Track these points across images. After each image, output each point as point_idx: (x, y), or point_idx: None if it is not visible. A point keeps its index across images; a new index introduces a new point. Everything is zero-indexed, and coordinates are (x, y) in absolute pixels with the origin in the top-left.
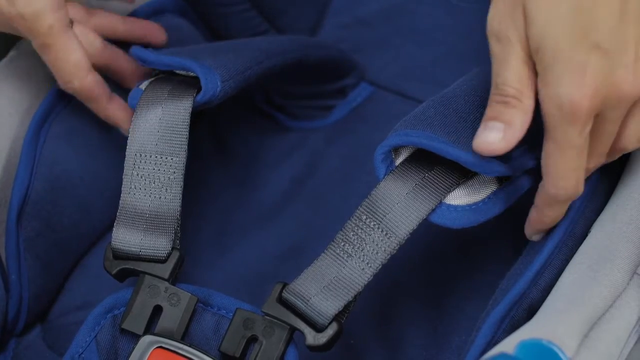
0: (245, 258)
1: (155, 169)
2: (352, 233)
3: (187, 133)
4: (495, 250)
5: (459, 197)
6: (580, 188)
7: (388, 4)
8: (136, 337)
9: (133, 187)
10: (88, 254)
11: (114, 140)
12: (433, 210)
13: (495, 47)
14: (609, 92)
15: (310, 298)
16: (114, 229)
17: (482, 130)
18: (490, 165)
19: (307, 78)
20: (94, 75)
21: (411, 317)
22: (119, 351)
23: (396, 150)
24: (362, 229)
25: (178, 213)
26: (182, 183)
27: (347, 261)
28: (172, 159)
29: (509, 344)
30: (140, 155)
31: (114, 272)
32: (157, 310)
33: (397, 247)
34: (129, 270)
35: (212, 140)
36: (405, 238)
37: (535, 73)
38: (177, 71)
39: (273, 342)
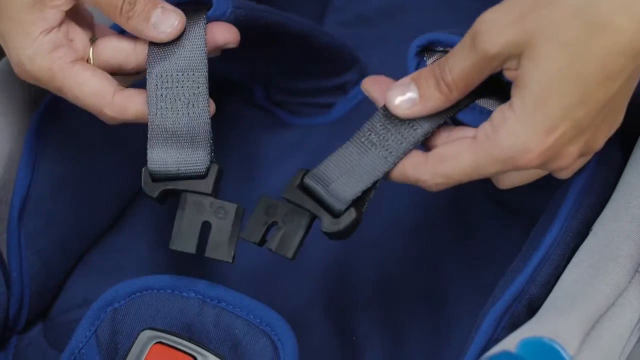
0: (247, 254)
1: (179, 86)
2: (379, 124)
3: (205, 47)
4: (496, 247)
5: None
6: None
7: (388, 1)
8: (135, 332)
9: (159, 107)
10: (90, 251)
11: (115, 138)
12: (462, 109)
13: (466, 42)
14: (552, 159)
15: (331, 183)
16: (147, 151)
17: (400, 86)
18: None
19: (309, 67)
20: (121, 95)
21: (413, 313)
22: (118, 346)
23: (429, 52)
24: (389, 119)
25: (209, 126)
26: (207, 96)
27: (370, 149)
28: (193, 74)
29: (510, 342)
30: (162, 76)
31: (155, 195)
32: (205, 226)
33: (422, 139)
34: (170, 191)
35: (214, 136)
36: (431, 131)
37: (483, 77)
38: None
39: (292, 227)
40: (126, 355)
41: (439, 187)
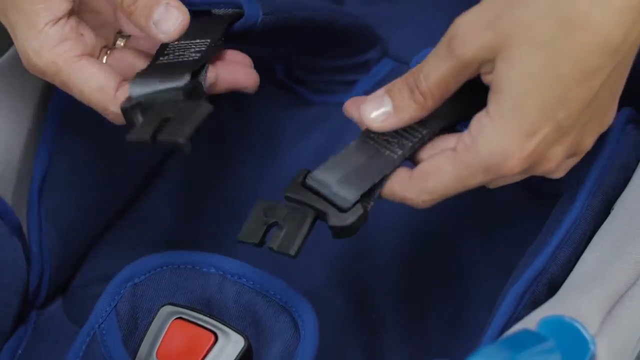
0: None
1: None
2: None
3: (210, 55)
4: (516, 226)
5: None
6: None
7: None
8: (155, 308)
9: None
10: (110, 227)
11: None
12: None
13: (441, 48)
14: (537, 163)
15: (335, 183)
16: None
17: (373, 98)
18: None
19: (332, 49)
20: (123, 90)
21: (433, 292)
22: (138, 321)
23: None
24: None
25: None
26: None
27: (375, 147)
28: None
29: (531, 321)
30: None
31: (126, 106)
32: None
33: (427, 138)
34: (141, 105)
35: (234, 113)
36: (435, 131)
37: (460, 83)
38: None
39: (295, 225)
40: (146, 330)
41: (425, 204)
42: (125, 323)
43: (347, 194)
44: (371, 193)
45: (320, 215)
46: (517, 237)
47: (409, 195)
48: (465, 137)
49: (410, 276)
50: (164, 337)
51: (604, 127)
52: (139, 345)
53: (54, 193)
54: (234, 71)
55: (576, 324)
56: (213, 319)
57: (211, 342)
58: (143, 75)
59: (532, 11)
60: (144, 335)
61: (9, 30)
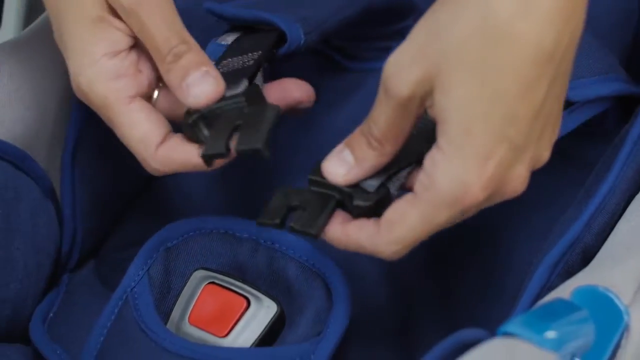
0: None
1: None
2: None
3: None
4: (550, 194)
5: None
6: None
7: None
8: (188, 272)
9: None
10: (144, 190)
11: None
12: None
13: (381, 91)
14: (501, 186)
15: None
16: None
17: (334, 155)
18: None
19: (369, 22)
20: (164, 148)
21: (465, 260)
22: (171, 285)
23: None
24: None
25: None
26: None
27: None
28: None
29: (564, 290)
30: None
31: (190, 120)
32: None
33: None
34: (203, 117)
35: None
36: None
37: (410, 121)
38: (256, 26)
39: (317, 207)
40: (179, 294)
41: (397, 255)
42: (157, 287)
43: (371, 178)
44: (396, 177)
45: (343, 197)
46: (550, 205)
47: (380, 249)
48: (421, 176)
49: (442, 245)
50: (196, 301)
51: (556, 135)
52: (171, 310)
53: (87, 157)
54: (284, 89)
55: (610, 294)
56: (246, 284)
57: (243, 307)
58: None
59: (457, 34)
60: (176, 299)
61: (62, 52)
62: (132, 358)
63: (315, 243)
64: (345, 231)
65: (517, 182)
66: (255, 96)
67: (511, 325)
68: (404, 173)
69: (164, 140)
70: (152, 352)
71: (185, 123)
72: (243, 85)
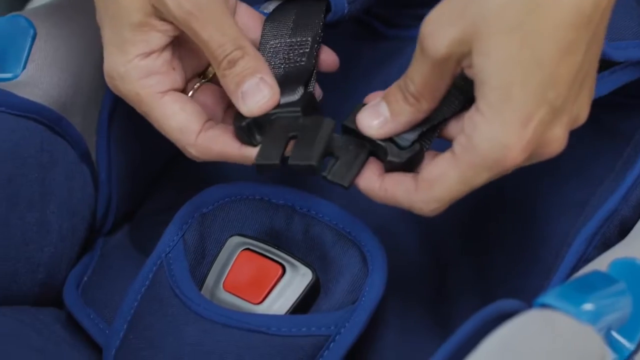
0: None
1: (289, 50)
2: None
3: (317, 46)
4: (587, 166)
5: None
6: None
7: None
8: (223, 238)
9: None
10: (179, 156)
11: None
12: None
13: (417, 49)
14: (540, 148)
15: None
16: None
17: (370, 108)
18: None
19: None
20: (204, 137)
21: (500, 231)
22: (206, 251)
23: None
24: None
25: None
26: (315, 53)
27: None
28: (305, 39)
29: (602, 262)
30: (272, 50)
31: (243, 123)
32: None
33: None
34: (259, 122)
35: None
36: None
37: (446, 80)
38: None
39: (350, 157)
40: (213, 260)
41: (435, 212)
42: (192, 253)
43: (405, 133)
44: (430, 133)
45: (376, 150)
46: (588, 177)
47: (417, 205)
48: (461, 138)
49: (479, 215)
50: (231, 268)
51: (592, 94)
52: (206, 276)
53: (123, 121)
54: None
55: None
56: (281, 251)
57: (279, 274)
58: None
59: (502, 2)
60: (211, 265)
61: (100, 32)
62: (166, 323)
63: (351, 210)
64: (382, 184)
65: (556, 143)
66: (310, 106)
67: (548, 297)
68: (437, 131)
69: (202, 129)
70: (186, 318)
71: (237, 125)
72: (298, 93)
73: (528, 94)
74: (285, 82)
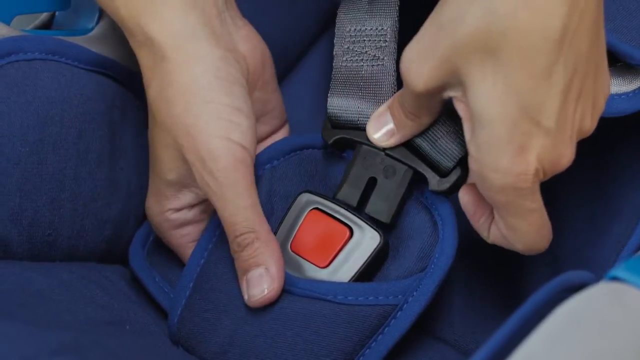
0: None
1: (366, 40)
2: None
3: (397, 14)
4: None
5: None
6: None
7: None
8: (293, 194)
9: (345, 60)
10: None
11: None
12: None
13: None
14: (550, 168)
15: (438, 139)
16: (328, 98)
17: (376, 118)
18: None
19: None
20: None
21: (571, 202)
22: (274, 207)
23: None
24: None
25: (394, 79)
26: (395, 49)
27: None
28: (382, 29)
29: None
30: (350, 30)
31: (330, 141)
32: (372, 182)
33: None
34: (345, 140)
35: None
36: None
37: (437, 101)
38: None
39: (391, 187)
40: (281, 217)
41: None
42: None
43: (448, 154)
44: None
45: (417, 176)
46: None
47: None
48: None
49: (549, 184)
50: (299, 228)
51: (600, 106)
52: (275, 232)
53: None
54: None
55: None
56: (350, 212)
57: (346, 237)
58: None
59: (462, 30)
60: (280, 221)
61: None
62: (231, 286)
63: None
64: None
65: (564, 159)
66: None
67: (618, 270)
68: None
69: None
70: None
71: (325, 140)
72: None
73: (511, 126)
74: (368, 90)
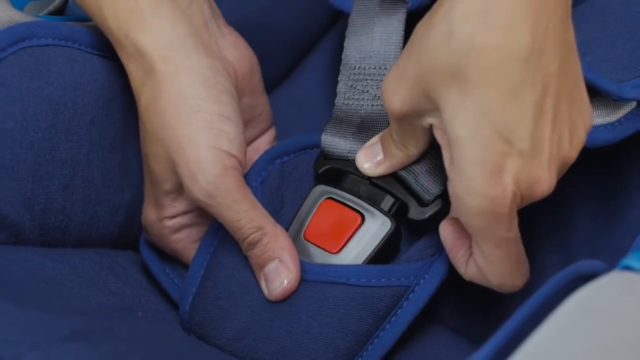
0: None
1: (369, 79)
2: None
3: (401, 44)
4: None
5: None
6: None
7: None
8: (302, 187)
9: (346, 97)
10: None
11: None
12: None
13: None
14: (528, 192)
15: (420, 175)
16: (322, 135)
17: (367, 148)
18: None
19: None
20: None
21: (584, 191)
22: (284, 199)
23: None
24: None
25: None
26: None
27: None
28: (385, 69)
29: None
30: (355, 67)
31: (319, 171)
32: None
33: None
34: (334, 169)
35: None
36: None
37: (421, 129)
38: None
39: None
40: (294, 209)
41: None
42: (270, 199)
43: (429, 190)
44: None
45: (404, 200)
46: None
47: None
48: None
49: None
50: (312, 217)
51: (581, 134)
52: (287, 225)
53: None
54: None
55: None
56: (362, 199)
57: (358, 223)
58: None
59: (426, 55)
60: (294, 213)
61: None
62: (243, 275)
63: None
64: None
65: (544, 184)
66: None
67: (631, 259)
68: None
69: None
70: None
71: (315, 170)
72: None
73: (483, 145)
74: (363, 130)
